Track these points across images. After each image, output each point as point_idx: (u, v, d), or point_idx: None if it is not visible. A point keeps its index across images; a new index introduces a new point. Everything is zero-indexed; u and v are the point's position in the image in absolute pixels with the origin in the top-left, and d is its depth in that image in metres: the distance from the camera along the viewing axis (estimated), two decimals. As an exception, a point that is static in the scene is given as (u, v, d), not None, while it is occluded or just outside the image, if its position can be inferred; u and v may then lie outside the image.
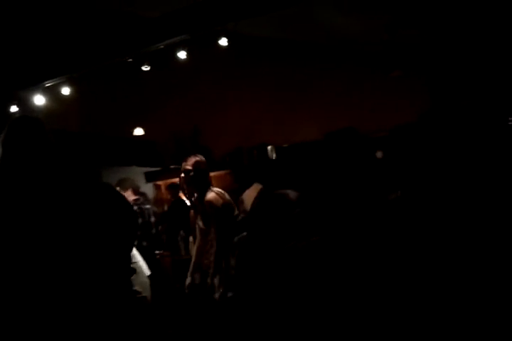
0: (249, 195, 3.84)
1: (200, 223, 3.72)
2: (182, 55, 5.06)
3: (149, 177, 8.61)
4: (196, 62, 5.47)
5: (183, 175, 3.73)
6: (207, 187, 3.69)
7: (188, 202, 7.93)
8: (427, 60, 6.01)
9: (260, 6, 4.20)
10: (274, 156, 7.68)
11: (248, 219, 3.65)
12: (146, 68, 5.29)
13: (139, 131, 7.33)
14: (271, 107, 7.30)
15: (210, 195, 3.64)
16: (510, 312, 2.50)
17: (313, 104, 7.09)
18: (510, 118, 5.73)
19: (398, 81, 6.40)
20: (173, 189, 7.19)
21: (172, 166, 8.42)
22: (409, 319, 2.68)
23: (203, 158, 3.77)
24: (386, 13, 5.02)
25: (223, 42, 4.92)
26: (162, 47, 5.08)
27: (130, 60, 5.25)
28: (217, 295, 3.50)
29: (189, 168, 3.68)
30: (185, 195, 3.97)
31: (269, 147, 7.62)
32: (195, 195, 3.72)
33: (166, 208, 7.96)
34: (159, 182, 8.68)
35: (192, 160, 3.71)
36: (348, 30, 5.48)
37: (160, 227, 6.62)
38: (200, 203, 3.69)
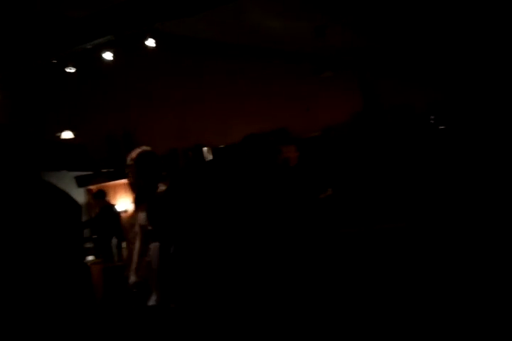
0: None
1: (143, 220, 3.57)
2: (108, 56, 4.89)
3: (80, 182, 8.30)
4: (125, 63, 5.31)
5: (127, 170, 3.57)
6: (157, 180, 3.53)
7: (118, 208, 7.72)
8: (358, 60, 6.13)
9: (185, 6, 4.10)
10: (210, 157, 7.61)
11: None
12: (70, 70, 5.07)
13: (67, 134, 7.03)
14: (204, 108, 7.21)
15: (163, 188, 3.49)
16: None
17: (247, 104, 7.07)
18: (431, 117, 5.95)
19: (330, 81, 6.50)
20: (99, 198, 7.02)
21: (104, 170, 8.15)
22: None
23: (149, 149, 3.61)
24: (315, 14, 5.05)
25: (150, 42, 4.79)
26: (89, 47, 4.88)
27: (54, 61, 5.01)
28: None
29: (130, 162, 3.54)
30: (132, 190, 3.81)
31: (204, 148, 7.54)
32: (143, 188, 3.55)
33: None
34: (92, 187, 8.39)
35: (135, 152, 3.56)
36: (279, 32, 5.48)
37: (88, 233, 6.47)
38: (148, 197, 3.51)
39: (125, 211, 7.99)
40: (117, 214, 7.31)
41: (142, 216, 3.58)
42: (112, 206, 7.31)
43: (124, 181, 4.80)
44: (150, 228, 3.52)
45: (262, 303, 2.59)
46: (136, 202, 3.69)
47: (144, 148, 3.59)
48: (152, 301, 3.38)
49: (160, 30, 4.82)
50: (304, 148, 5.44)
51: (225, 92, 6.92)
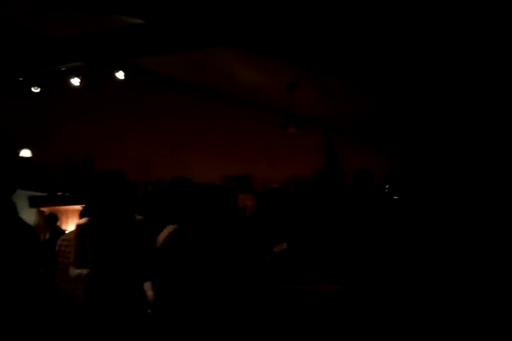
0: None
1: None
2: (75, 81, 4.89)
3: (33, 202, 8.07)
4: (93, 90, 5.30)
5: None
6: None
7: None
8: (323, 120, 6.26)
9: (157, 45, 4.17)
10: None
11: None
12: (36, 90, 5.04)
13: (25, 153, 6.92)
14: (168, 145, 7.21)
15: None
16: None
17: (212, 146, 7.10)
18: (386, 186, 6.02)
19: (296, 137, 6.58)
20: (51, 222, 6.84)
21: (60, 193, 7.98)
22: None
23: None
24: (288, 71, 5.17)
25: (120, 75, 4.82)
26: (63, 69, 4.89)
27: (20, 79, 4.99)
28: None
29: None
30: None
31: (166, 184, 7.48)
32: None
33: (47, 236, 7.51)
34: (44, 209, 8.17)
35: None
36: (251, 83, 5.59)
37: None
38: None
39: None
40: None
41: None
42: (63, 231, 7.12)
43: (78, 207, 4.67)
44: None
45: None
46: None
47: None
48: None
49: (131, 62, 4.87)
50: (263, 198, 5.42)
51: (192, 132, 6.96)
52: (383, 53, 4.57)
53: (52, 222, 6.89)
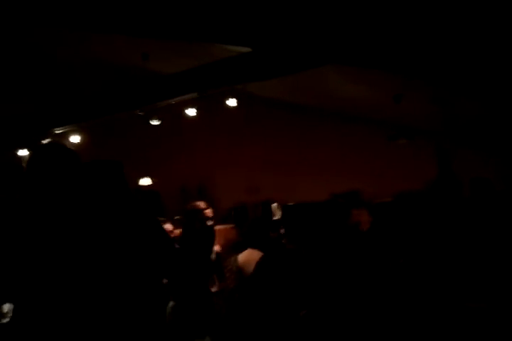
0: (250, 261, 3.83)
1: None
2: (191, 112, 5.17)
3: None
4: (205, 119, 5.58)
5: None
6: None
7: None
8: (434, 129, 6.06)
9: (267, 70, 4.31)
10: (279, 214, 7.63)
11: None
12: (155, 122, 5.41)
13: (146, 181, 7.38)
14: (277, 165, 7.35)
15: None
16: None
17: (319, 164, 7.13)
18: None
19: (404, 148, 6.43)
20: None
21: (176, 217, 8.41)
22: None
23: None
24: (393, 82, 5.11)
25: (232, 102, 5.03)
26: (172, 103, 5.22)
27: (141, 113, 5.38)
28: None
29: None
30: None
31: (274, 204, 7.61)
32: None
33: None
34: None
35: None
36: (356, 98, 5.57)
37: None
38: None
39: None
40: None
41: None
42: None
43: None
44: None
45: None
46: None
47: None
48: None
49: (241, 90, 5.07)
50: (378, 213, 5.34)
51: (298, 151, 7.04)
52: (494, 58, 4.39)
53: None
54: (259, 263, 3.59)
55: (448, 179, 6.42)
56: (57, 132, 5.70)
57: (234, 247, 3.93)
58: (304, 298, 3.35)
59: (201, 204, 3.95)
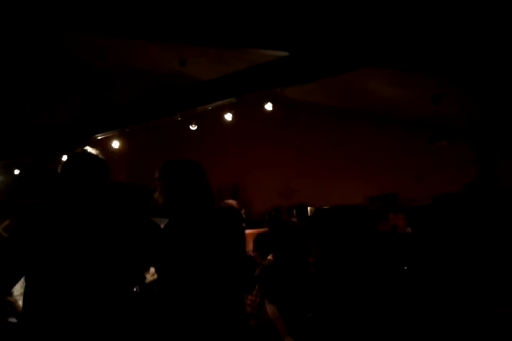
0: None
1: None
2: (228, 116, 5.22)
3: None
4: (241, 123, 5.62)
5: None
6: None
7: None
8: (476, 130, 5.94)
9: (305, 74, 4.32)
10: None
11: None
12: (193, 127, 5.47)
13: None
14: (312, 169, 7.34)
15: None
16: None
17: (355, 168, 7.09)
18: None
19: (444, 150, 6.33)
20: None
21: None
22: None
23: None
24: (431, 83, 5.04)
25: (268, 106, 5.05)
26: (209, 108, 5.26)
27: (179, 118, 5.44)
28: None
29: None
30: None
31: (309, 207, 7.58)
32: None
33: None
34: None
35: None
36: (393, 100, 5.52)
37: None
38: None
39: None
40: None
41: None
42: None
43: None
44: None
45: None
46: None
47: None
48: None
49: (277, 94, 5.08)
50: (416, 217, 5.25)
51: (334, 154, 7.01)
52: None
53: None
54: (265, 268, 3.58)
55: (490, 182, 6.28)
56: (99, 138, 5.83)
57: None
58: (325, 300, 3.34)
59: (234, 203, 3.97)
